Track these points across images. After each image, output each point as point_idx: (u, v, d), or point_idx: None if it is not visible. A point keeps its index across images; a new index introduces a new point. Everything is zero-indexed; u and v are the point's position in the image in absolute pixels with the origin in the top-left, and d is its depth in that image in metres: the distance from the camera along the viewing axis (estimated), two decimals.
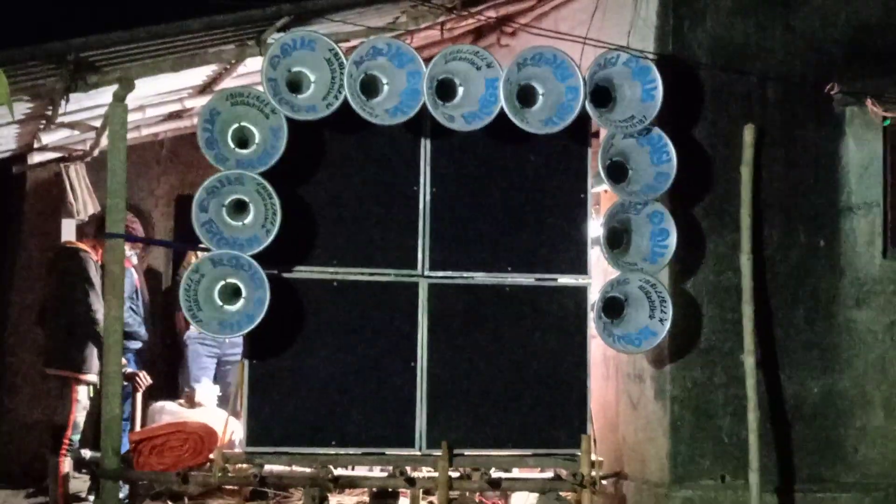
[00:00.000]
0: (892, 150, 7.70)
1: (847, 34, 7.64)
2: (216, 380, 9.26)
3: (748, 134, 7.32)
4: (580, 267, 7.33)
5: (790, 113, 7.53)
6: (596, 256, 7.34)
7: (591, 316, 7.11)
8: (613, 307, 7.18)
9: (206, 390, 8.78)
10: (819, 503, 7.35)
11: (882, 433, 7.51)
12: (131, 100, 6.98)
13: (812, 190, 7.55)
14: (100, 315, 7.27)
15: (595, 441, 7.32)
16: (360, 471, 7.21)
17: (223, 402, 8.78)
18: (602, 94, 7.21)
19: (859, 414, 7.50)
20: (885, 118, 7.53)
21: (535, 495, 7.20)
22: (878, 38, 7.66)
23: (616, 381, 7.90)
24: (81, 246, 8.22)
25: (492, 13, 8.57)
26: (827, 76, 7.50)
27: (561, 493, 7.10)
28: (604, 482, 7.46)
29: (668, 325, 7.05)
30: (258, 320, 6.53)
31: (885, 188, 7.64)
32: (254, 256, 6.56)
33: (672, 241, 7.10)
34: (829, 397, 7.47)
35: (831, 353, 7.50)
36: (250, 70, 7.48)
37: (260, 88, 6.71)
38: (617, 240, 7.21)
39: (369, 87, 6.88)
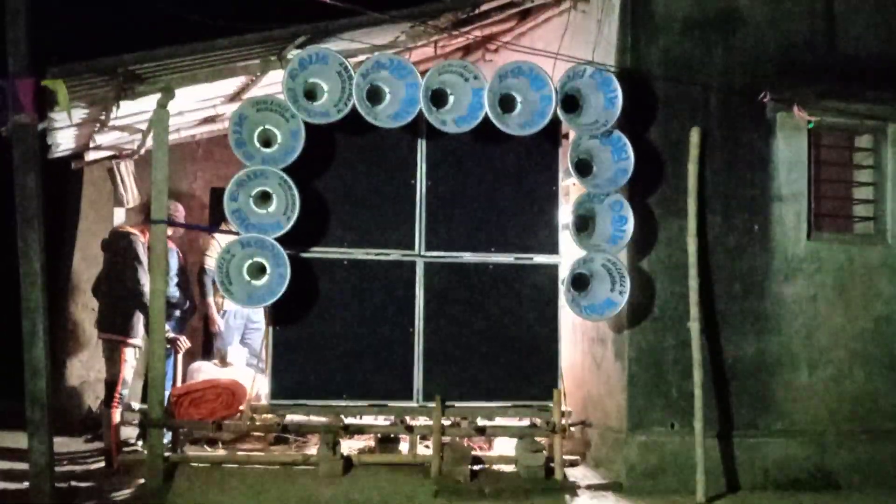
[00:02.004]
0: (815, 148, 7.70)
1: (777, 51, 7.61)
2: (242, 343, 9.26)
3: (694, 135, 7.31)
4: (552, 248, 7.34)
5: (730, 118, 7.50)
6: (565, 239, 7.32)
7: (562, 289, 7.11)
8: (580, 282, 7.16)
9: (235, 352, 8.80)
10: (753, 447, 7.35)
11: (806, 388, 7.53)
12: (172, 106, 6.95)
13: (748, 183, 7.54)
14: (146, 288, 7.26)
15: (565, 394, 7.33)
16: (367, 419, 7.22)
17: (249, 362, 8.80)
18: (571, 102, 7.20)
19: (787, 372, 7.52)
20: (808, 122, 7.53)
21: (515, 440, 7.22)
22: (803, 54, 7.63)
23: (582, 345, 7.91)
24: (131, 229, 8.20)
25: (478, 33, 8.56)
26: (760, 86, 7.49)
27: (536, 439, 7.12)
28: (572, 429, 7.54)
29: (626, 297, 7.05)
30: (280, 293, 6.54)
31: (809, 181, 7.64)
32: (276, 239, 6.57)
33: (630, 226, 7.09)
34: (762, 358, 7.48)
35: (764, 320, 7.50)
36: (273, 81, 7.44)
37: (281, 97, 6.69)
38: (583, 225, 7.18)
39: (374, 95, 6.87)
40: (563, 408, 7.19)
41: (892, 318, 7.75)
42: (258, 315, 9.16)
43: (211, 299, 9.05)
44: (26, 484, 6.29)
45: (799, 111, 7.47)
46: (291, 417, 7.04)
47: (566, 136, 7.35)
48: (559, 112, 7.01)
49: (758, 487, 7.27)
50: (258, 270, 6.65)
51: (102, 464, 7.55)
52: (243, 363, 8.70)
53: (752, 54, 7.57)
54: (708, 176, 7.40)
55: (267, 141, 6.73)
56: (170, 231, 7.68)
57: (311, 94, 6.78)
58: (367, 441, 7.54)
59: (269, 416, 7.12)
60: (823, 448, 7.49)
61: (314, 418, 7.03)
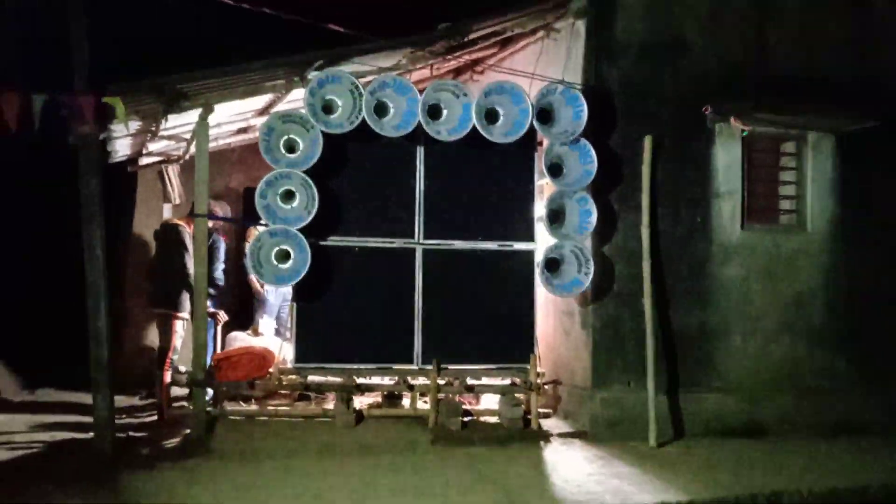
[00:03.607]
0: (747, 153, 7.70)
1: (717, 72, 7.60)
2: (277, 317, 9.27)
3: (647, 143, 7.32)
4: (529, 237, 7.36)
5: (677, 128, 7.49)
6: (540, 229, 7.35)
7: (538, 271, 7.14)
8: (553, 265, 7.19)
9: (266, 324, 8.82)
10: (695, 401, 7.39)
11: (739, 352, 7.57)
12: (211, 119, 6.95)
13: (692, 182, 7.54)
14: (192, 271, 7.27)
15: (539, 358, 7.36)
16: (375, 380, 7.24)
17: (277, 332, 8.83)
18: (545, 115, 7.22)
19: (724, 339, 7.55)
20: (743, 131, 7.55)
21: (498, 396, 7.26)
22: (739, 75, 7.62)
23: (554, 317, 7.92)
24: (179, 222, 8.19)
25: (467, 57, 8.57)
26: (703, 101, 7.48)
27: (516, 395, 7.17)
28: (545, 387, 7.56)
29: (590, 277, 7.08)
30: (302, 275, 6.57)
31: (743, 181, 7.65)
32: (299, 230, 6.59)
33: (593, 218, 7.11)
34: (703, 328, 7.50)
35: (704, 297, 7.52)
36: (295, 98, 7.44)
37: (303, 111, 6.71)
38: (555, 217, 7.20)
39: (380, 109, 6.88)
40: (538, 369, 7.23)
41: (810, 294, 7.77)
42: (289, 294, 9.18)
43: (254, 277, 9.06)
44: (91, 434, 6.33)
45: (735, 122, 7.47)
46: (312, 378, 7.07)
47: (541, 143, 7.37)
48: (535, 123, 7.03)
49: (699, 435, 7.29)
50: (284, 256, 6.69)
51: (155, 417, 7.57)
52: (272, 333, 8.73)
53: (696, 75, 7.55)
54: (659, 176, 7.40)
55: (291, 148, 6.75)
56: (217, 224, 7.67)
57: (327, 108, 6.79)
58: (375, 398, 7.58)
59: (294, 377, 7.15)
60: (754, 402, 7.52)
61: (331, 379, 7.06)
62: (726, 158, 7.59)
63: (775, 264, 7.69)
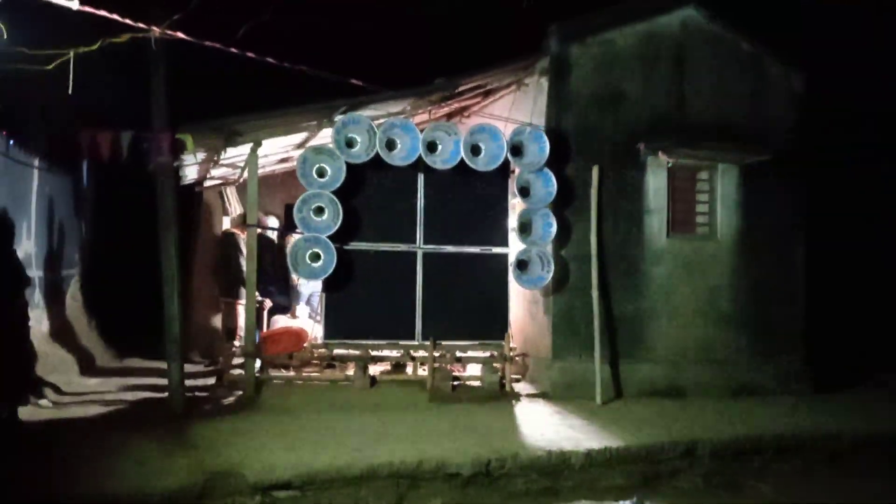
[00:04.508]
0: (672, 179, 7.62)
1: (648, 117, 7.54)
2: (308, 303, 9.22)
3: (594, 172, 7.30)
4: (504, 243, 7.32)
5: (618, 160, 7.44)
6: (513, 237, 7.31)
7: (511, 270, 7.11)
8: (522, 265, 7.17)
9: (301, 310, 8.77)
10: (631, 370, 7.34)
11: (665, 332, 7.52)
12: (260, 151, 6.92)
13: (629, 201, 7.49)
14: (245, 269, 7.23)
15: (512, 336, 7.34)
16: (385, 353, 7.20)
17: (310, 315, 8.78)
18: (516, 149, 7.17)
19: (653, 322, 7.50)
20: (668, 162, 7.51)
21: (480, 365, 7.23)
22: (665, 119, 7.58)
23: (524, 305, 7.87)
24: (235, 231, 8.16)
25: (457, 105, 8.55)
26: (637, 140, 7.44)
27: (494, 364, 7.15)
28: (517, 358, 7.53)
29: (551, 274, 7.06)
30: (330, 272, 6.54)
31: (668, 200, 7.59)
32: (327, 237, 6.56)
33: (554, 229, 7.09)
34: (637, 313, 7.47)
35: (638, 289, 7.48)
36: (325, 135, 7.41)
37: (330, 145, 6.68)
38: (524, 228, 7.16)
39: (390, 144, 6.85)
40: (511, 345, 7.21)
41: (719, 288, 7.71)
42: (319, 286, 9.11)
43: (294, 275, 8.98)
44: (166, 394, 6.28)
45: (662, 156, 7.45)
46: (337, 351, 7.03)
47: (513, 171, 7.34)
48: (509, 156, 7.01)
49: (634, 396, 7.26)
50: (315, 257, 6.64)
51: (215, 381, 7.52)
52: (306, 316, 8.68)
53: (632, 119, 7.51)
54: (603, 197, 7.36)
55: (321, 173, 6.72)
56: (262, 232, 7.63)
57: (350, 143, 6.76)
58: (385, 366, 7.55)
59: (323, 350, 7.11)
60: (676, 370, 7.47)
61: (351, 352, 7.01)
62: (655, 183, 7.55)
63: (693, 265, 7.64)
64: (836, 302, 9.14)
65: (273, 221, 9.00)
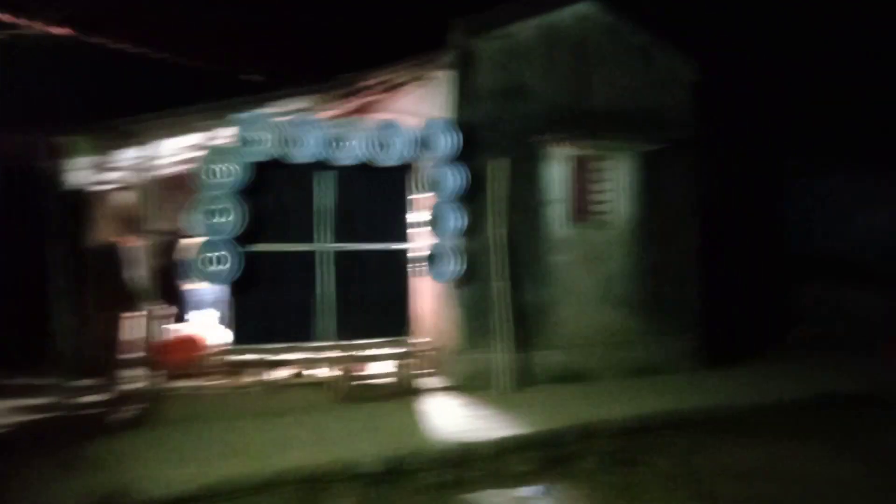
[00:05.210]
0: (573, 169, 7.81)
1: (551, 109, 7.70)
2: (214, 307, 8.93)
3: (501, 164, 7.41)
4: (405, 239, 7.31)
5: (522, 152, 7.56)
6: (420, 232, 7.32)
7: (420, 264, 7.14)
8: (434, 258, 7.23)
9: (205, 315, 8.48)
10: (537, 356, 7.52)
11: (566, 319, 7.72)
12: (158, 151, 6.71)
13: (533, 192, 7.64)
14: (133, 278, 6.94)
15: (423, 331, 7.38)
16: (293, 355, 6.98)
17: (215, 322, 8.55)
18: (426, 143, 7.20)
19: (556, 309, 7.70)
20: (569, 152, 7.69)
21: (388, 362, 7.23)
22: (567, 111, 7.75)
23: (437, 299, 7.82)
24: (124, 238, 7.75)
25: (366, 98, 8.43)
26: (539, 131, 7.57)
27: (402, 360, 7.18)
28: (428, 352, 7.54)
29: (461, 267, 7.18)
30: (234, 275, 6.46)
31: (570, 190, 7.78)
32: (231, 239, 6.46)
33: (463, 221, 7.19)
34: (541, 302, 7.64)
35: (541, 278, 7.66)
36: (228, 134, 7.24)
37: (234, 144, 6.56)
38: (435, 221, 7.23)
39: (295, 142, 6.77)
40: (421, 339, 7.26)
41: (618, 274, 7.97)
42: (219, 291, 8.84)
43: (186, 281, 8.68)
44: (58, 412, 6.04)
45: (563, 146, 7.61)
46: (242, 356, 6.87)
47: (419, 165, 7.35)
48: (418, 150, 7.03)
49: (541, 382, 7.44)
50: (219, 260, 6.53)
51: (110, 395, 7.24)
52: (212, 322, 8.43)
53: (535, 112, 7.64)
54: (509, 188, 7.46)
55: (224, 173, 6.58)
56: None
57: (253, 141, 6.65)
58: (291, 369, 7.45)
59: (227, 356, 6.88)
60: (581, 355, 7.70)
61: (258, 356, 6.88)
62: (556, 174, 7.72)
63: (593, 252, 7.88)
64: (729, 283, 9.68)
65: (171, 225, 8.62)
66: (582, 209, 7.92)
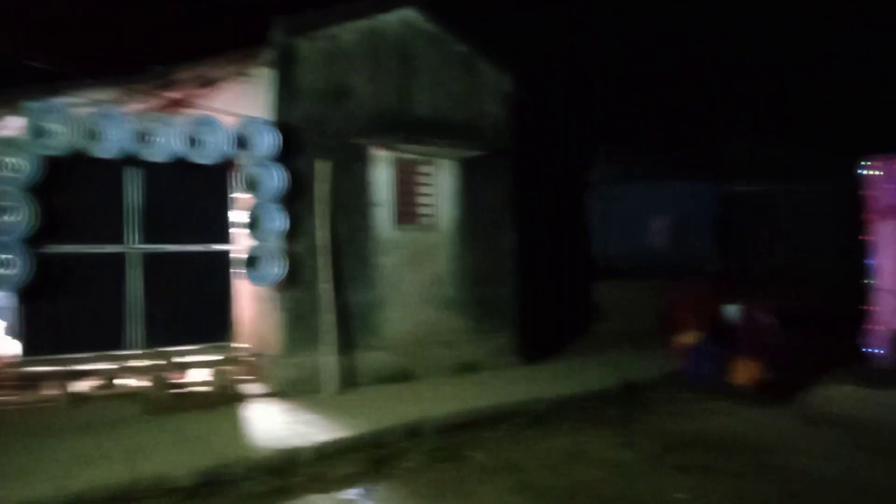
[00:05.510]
0: (397, 173, 7.94)
1: (375, 113, 7.77)
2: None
3: (324, 165, 7.37)
4: (227, 239, 7.13)
5: (346, 154, 7.57)
6: (241, 233, 7.11)
7: (241, 267, 6.92)
8: (255, 260, 7.03)
9: None
10: (364, 358, 7.57)
11: (394, 320, 7.85)
12: None
13: (358, 195, 7.68)
14: None
15: (244, 336, 7.18)
16: (98, 365, 6.58)
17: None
18: (243, 142, 7.00)
19: (383, 311, 7.79)
20: (393, 157, 7.82)
21: (207, 369, 6.95)
22: (391, 115, 7.87)
23: (257, 302, 7.66)
24: None
25: (179, 93, 8.02)
26: (365, 134, 7.62)
27: (221, 367, 6.93)
28: (250, 358, 7.37)
29: (283, 270, 7.04)
30: (24, 280, 5.85)
31: (394, 193, 7.91)
32: (21, 240, 5.84)
33: (285, 223, 7.06)
34: (368, 303, 7.70)
35: (368, 280, 7.71)
36: (16, 125, 6.55)
37: (23, 136, 5.93)
38: (255, 223, 7.04)
39: (97, 135, 6.28)
40: (242, 344, 7.06)
41: (443, 275, 8.22)
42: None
43: None
44: None
45: (387, 150, 7.73)
46: (38, 368, 6.32)
47: (239, 164, 7.13)
48: (235, 149, 6.82)
49: (368, 384, 7.50)
50: (7, 263, 5.88)
51: None
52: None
53: (359, 115, 7.68)
54: (333, 190, 7.45)
55: (13, 168, 5.94)
56: None
57: (47, 133, 6.06)
58: (96, 380, 6.93)
59: (21, 369, 6.31)
60: (406, 355, 7.84)
61: (56, 368, 6.35)
62: (381, 177, 7.81)
63: (418, 254, 8.05)
64: (541, 283, 10.34)
65: None
66: (407, 212, 8.07)
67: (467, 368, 8.18)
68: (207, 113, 7.05)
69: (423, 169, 8.27)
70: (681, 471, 5.38)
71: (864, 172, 8.09)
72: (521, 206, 8.94)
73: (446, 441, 6.22)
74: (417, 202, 8.18)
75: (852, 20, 14.96)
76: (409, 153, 7.92)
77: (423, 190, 8.25)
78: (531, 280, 9.32)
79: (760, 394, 7.10)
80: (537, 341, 9.14)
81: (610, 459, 5.70)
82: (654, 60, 14.45)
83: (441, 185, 8.27)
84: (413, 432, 6.10)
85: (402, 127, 7.85)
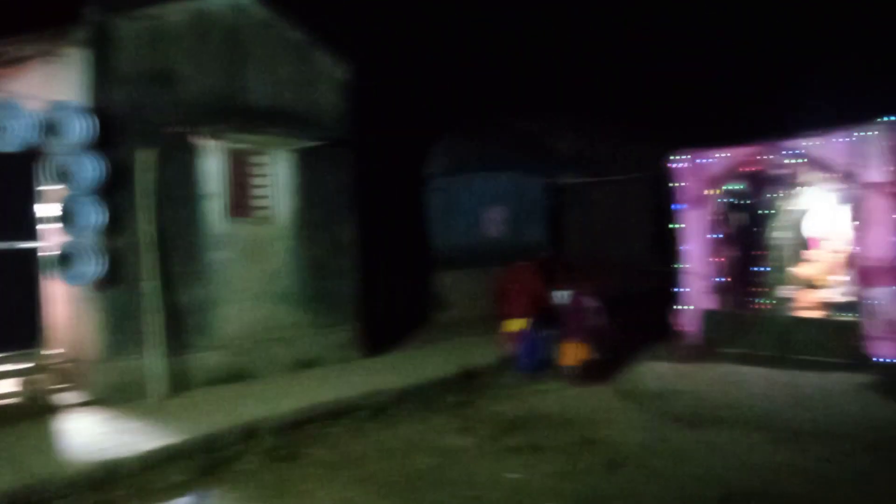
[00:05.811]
0: (230, 163, 7.64)
1: (206, 100, 7.43)
2: None
3: (148, 155, 6.95)
4: (34, 236, 6.57)
5: (173, 143, 7.16)
6: (54, 228, 6.53)
7: (53, 266, 6.37)
8: (68, 258, 6.50)
9: None
10: (196, 359, 7.27)
11: (228, 317, 7.60)
12: None
13: (187, 186, 7.33)
14: None
15: (52, 341, 6.62)
16: None
17: None
18: (54, 128, 6.41)
19: (215, 308, 7.51)
20: (224, 146, 7.52)
21: (14, 379, 6.36)
22: (222, 103, 7.55)
23: (73, 304, 7.04)
24: None
25: None
26: (194, 123, 7.26)
27: (30, 376, 6.37)
28: (65, 364, 6.80)
29: (102, 268, 6.59)
30: None
31: (226, 185, 7.61)
32: None
33: (104, 217, 6.60)
34: (199, 301, 7.39)
35: (199, 276, 7.40)
36: None
37: None
38: (69, 217, 6.49)
39: None
40: (55, 350, 6.51)
41: (280, 269, 8.06)
42: None
43: None
44: None
45: (218, 139, 7.44)
46: None
47: (48, 154, 6.52)
48: (42, 136, 6.24)
49: (200, 386, 7.20)
50: None
51: None
52: None
53: (187, 101, 7.30)
54: (159, 182, 7.04)
55: None
56: None
57: None
58: None
59: None
60: (242, 353, 7.62)
61: None
62: (212, 168, 7.50)
63: (254, 248, 7.83)
64: (383, 275, 10.44)
65: None
66: (241, 204, 7.82)
67: (307, 364, 8.10)
68: (7, 96, 6.37)
69: (258, 159, 8.02)
70: (513, 451, 5.70)
71: (674, 166, 8.94)
72: (362, 198, 8.97)
73: (285, 440, 6.14)
74: (252, 194, 7.94)
75: (671, 22, 16.41)
76: (242, 143, 7.66)
77: (258, 181, 8.02)
78: (372, 272, 9.39)
79: (586, 374, 7.64)
80: (379, 334, 9.23)
81: (448, 445, 5.92)
82: (489, 54, 14.99)
83: (277, 177, 8.08)
84: (249, 433, 5.96)
85: (233, 115, 7.57)
